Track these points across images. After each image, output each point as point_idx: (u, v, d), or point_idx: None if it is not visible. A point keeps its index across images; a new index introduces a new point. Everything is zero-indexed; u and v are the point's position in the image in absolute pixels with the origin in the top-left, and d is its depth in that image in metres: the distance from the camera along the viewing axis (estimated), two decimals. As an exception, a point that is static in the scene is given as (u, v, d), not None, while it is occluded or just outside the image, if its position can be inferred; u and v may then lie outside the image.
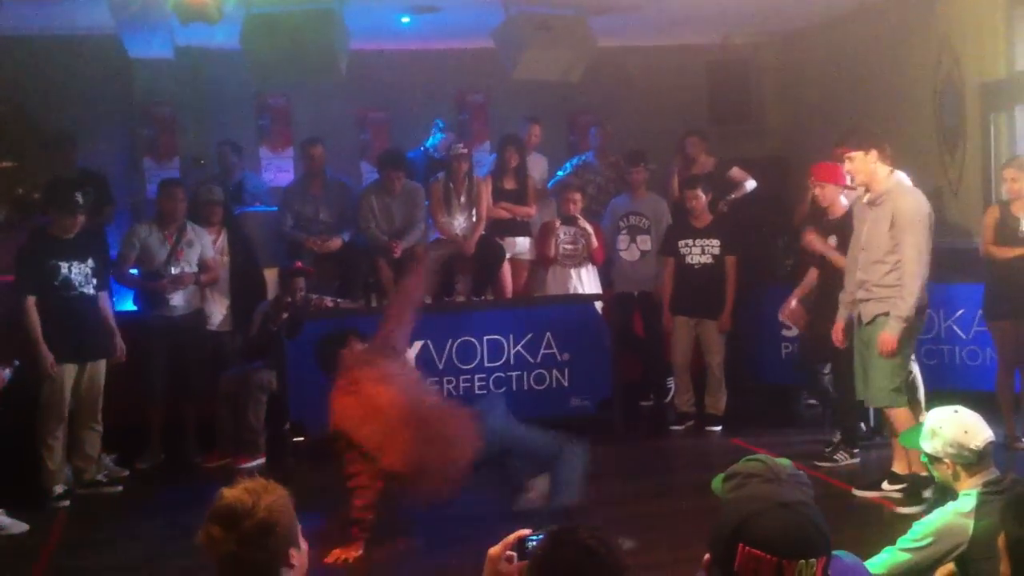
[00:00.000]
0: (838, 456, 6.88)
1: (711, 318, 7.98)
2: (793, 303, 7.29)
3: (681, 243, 8.04)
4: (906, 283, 5.81)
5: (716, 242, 7.96)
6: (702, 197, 7.96)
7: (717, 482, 2.54)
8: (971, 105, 8.37)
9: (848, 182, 6.55)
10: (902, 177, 6.04)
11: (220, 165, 9.11)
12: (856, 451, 6.93)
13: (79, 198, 6.72)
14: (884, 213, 5.89)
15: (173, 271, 7.48)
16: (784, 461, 2.55)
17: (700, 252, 7.99)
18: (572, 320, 8.04)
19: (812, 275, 7.19)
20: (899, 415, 5.94)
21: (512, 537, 2.49)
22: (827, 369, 7.10)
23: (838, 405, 7.05)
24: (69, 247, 6.64)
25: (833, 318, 6.41)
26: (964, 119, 8.44)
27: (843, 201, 6.88)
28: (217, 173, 9.06)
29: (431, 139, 9.51)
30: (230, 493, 2.51)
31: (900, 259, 5.86)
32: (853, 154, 5.92)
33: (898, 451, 6.21)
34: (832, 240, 6.88)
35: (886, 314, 5.91)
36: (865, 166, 5.88)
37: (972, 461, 3.71)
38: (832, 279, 6.69)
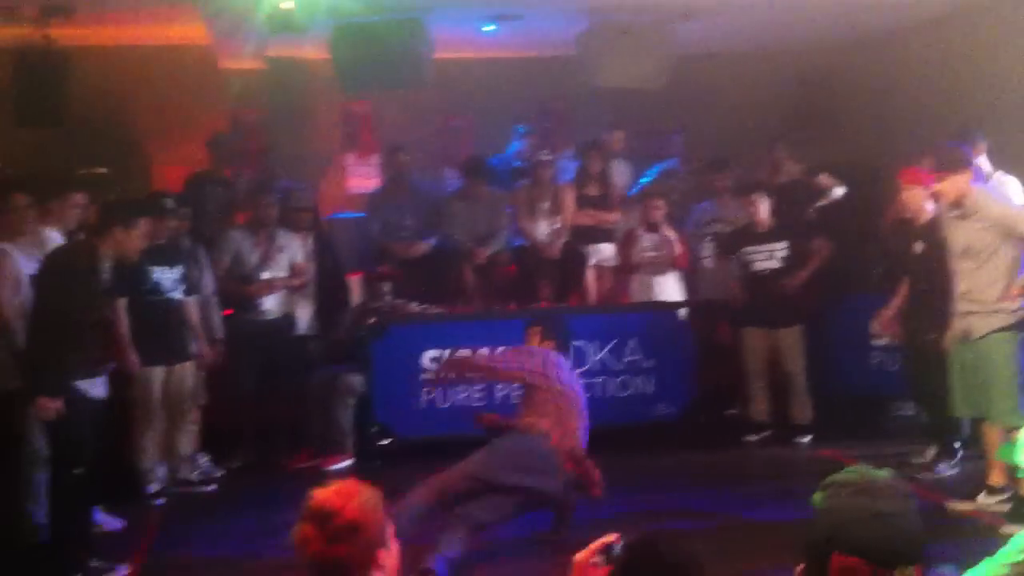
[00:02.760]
0: (940, 467, 6.77)
1: (786, 326, 7.86)
2: (889, 314, 7.15)
3: (747, 250, 7.93)
4: None
5: (782, 245, 7.84)
6: (758, 202, 7.83)
7: (817, 495, 2.53)
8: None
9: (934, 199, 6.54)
10: (1005, 182, 5.99)
11: (270, 174, 9.21)
12: (955, 461, 6.81)
13: (169, 203, 6.89)
14: (978, 222, 5.84)
15: (264, 276, 7.62)
16: (882, 472, 2.54)
17: (766, 257, 7.88)
18: (656, 327, 8.02)
19: (905, 287, 7.09)
20: (995, 429, 5.83)
21: (598, 543, 2.50)
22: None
23: (936, 415, 6.93)
24: (160, 252, 6.80)
25: (931, 325, 6.36)
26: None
27: (928, 207, 6.78)
28: (265, 182, 9.15)
29: (513, 147, 9.56)
30: (321, 493, 2.54)
31: (1007, 268, 5.75)
32: (948, 176, 5.88)
33: (995, 463, 6.08)
34: (919, 246, 6.79)
35: (1001, 329, 5.79)
36: (958, 186, 5.84)
37: (1068, 474, 3.63)
38: (911, 284, 6.69)
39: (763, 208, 7.84)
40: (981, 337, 5.88)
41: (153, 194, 7.80)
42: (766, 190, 8.01)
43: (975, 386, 5.99)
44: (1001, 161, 7.07)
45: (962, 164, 5.88)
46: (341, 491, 2.54)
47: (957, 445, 6.92)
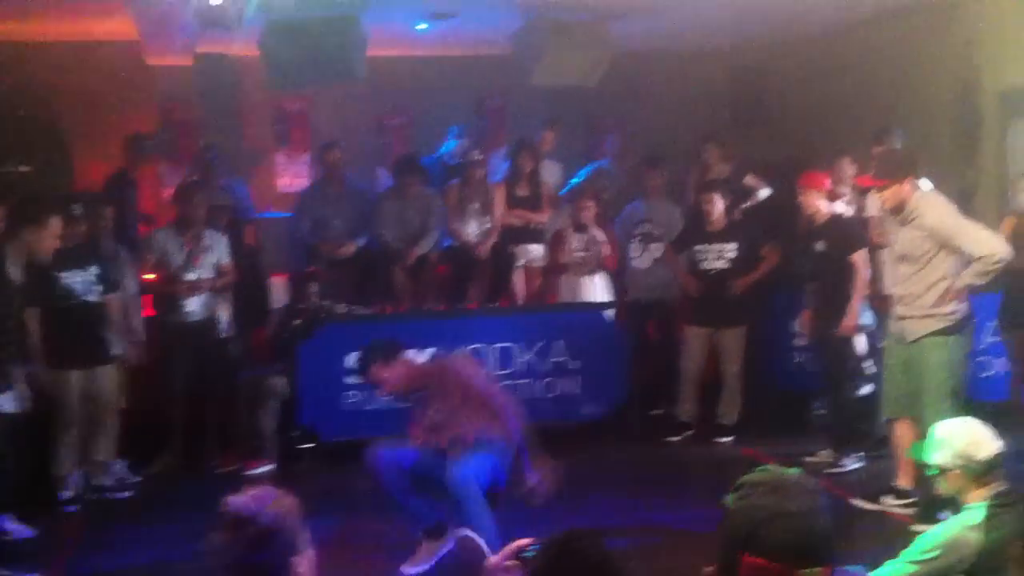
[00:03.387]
0: (845, 461, 6.87)
1: (729, 326, 7.92)
2: (809, 313, 7.28)
3: (697, 248, 7.97)
4: (988, 251, 5.74)
5: (732, 246, 7.89)
6: (718, 202, 7.89)
7: (729, 495, 2.53)
8: (989, 113, 8.31)
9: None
10: (924, 186, 6.08)
11: (201, 170, 9.09)
12: (861, 454, 6.91)
13: (75, 209, 6.74)
14: (917, 230, 5.88)
15: (190, 276, 7.51)
16: (793, 470, 2.54)
17: (716, 257, 7.93)
18: (584, 327, 8.02)
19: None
20: (905, 428, 5.91)
21: (511, 547, 2.49)
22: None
23: (837, 410, 7.04)
24: (69, 255, 6.65)
25: (835, 321, 6.69)
26: (982, 127, 8.38)
27: (824, 208, 6.99)
28: (194, 180, 9.04)
29: (446, 146, 9.52)
30: (236, 500, 2.54)
31: (943, 274, 5.84)
32: (890, 185, 5.91)
33: (904, 466, 6.13)
34: (820, 245, 6.96)
35: (935, 333, 5.85)
36: (899, 195, 5.89)
37: (980, 472, 3.69)
38: (815, 282, 6.98)
39: (717, 207, 7.87)
40: (915, 340, 5.93)
41: (63, 195, 7.65)
42: (721, 189, 8.04)
43: (907, 388, 6.04)
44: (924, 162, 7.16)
45: (902, 173, 5.89)
46: (256, 497, 2.54)
47: (864, 436, 7.03)
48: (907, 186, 5.84)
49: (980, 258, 5.70)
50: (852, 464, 6.90)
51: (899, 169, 5.90)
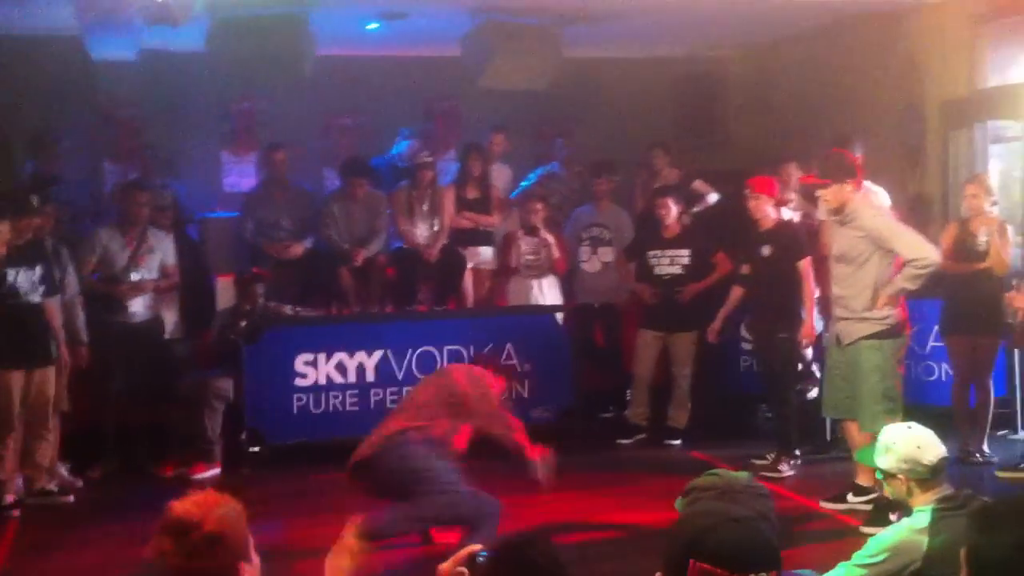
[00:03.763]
0: (781, 467, 6.93)
1: (682, 330, 7.96)
2: (718, 324, 7.40)
3: (650, 253, 8.00)
4: (919, 255, 5.88)
5: (686, 252, 7.94)
6: (672, 207, 7.92)
7: (679, 500, 2.55)
8: (932, 122, 8.46)
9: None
10: (873, 192, 6.17)
11: (143, 171, 8.96)
12: (796, 461, 6.99)
13: (34, 200, 6.65)
14: (855, 231, 6.01)
15: (134, 277, 7.38)
16: (742, 474, 2.55)
17: (668, 263, 7.96)
18: (533, 331, 8.03)
19: (736, 293, 7.42)
20: (856, 430, 5.98)
21: (463, 552, 2.48)
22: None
23: (775, 414, 7.12)
24: (17, 253, 6.54)
25: (782, 325, 6.84)
26: (925, 136, 8.53)
27: (772, 213, 7.08)
28: (137, 179, 8.90)
29: (396, 147, 9.47)
30: (179, 506, 2.48)
31: (877, 277, 5.94)
32: (831, 185, 6.03)
33: (862, 464, 6.23)
34: (766, 250, 7.05)
35: (869, 337, 5.95)
36: (840, 195, 6.02)
37: (926, 476, 3.73)
38: (759, 286, 7.12)
39: (672, 213, 7.91)
40: (851, 343, 6.02)
41: (17, 190, 7.51)
42: (675, 195, 8.08)
43: (842, 390, 6.15)
44: (865, 169, 7.26)
45: (844, 174, 6.02)
46: (200, 502, 2.49)
47: (796, 450, 7.13)
48: (848, 187, 5.97)
49: (911, 261, 5.86)
50: (788, 471, 6.95)
51: (841, 170, 6.03)
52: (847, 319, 6.05)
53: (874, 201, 6.90)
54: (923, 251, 5.91)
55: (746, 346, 8.06)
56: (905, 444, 3.76)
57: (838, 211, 6.06)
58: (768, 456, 7.08)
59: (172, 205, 8.03)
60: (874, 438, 5.81)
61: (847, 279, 6.06)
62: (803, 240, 7.08)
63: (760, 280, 7.16)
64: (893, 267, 5.99)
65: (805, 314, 6.94)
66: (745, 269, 7.39)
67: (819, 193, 6.29)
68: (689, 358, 7.97)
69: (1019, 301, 6.71)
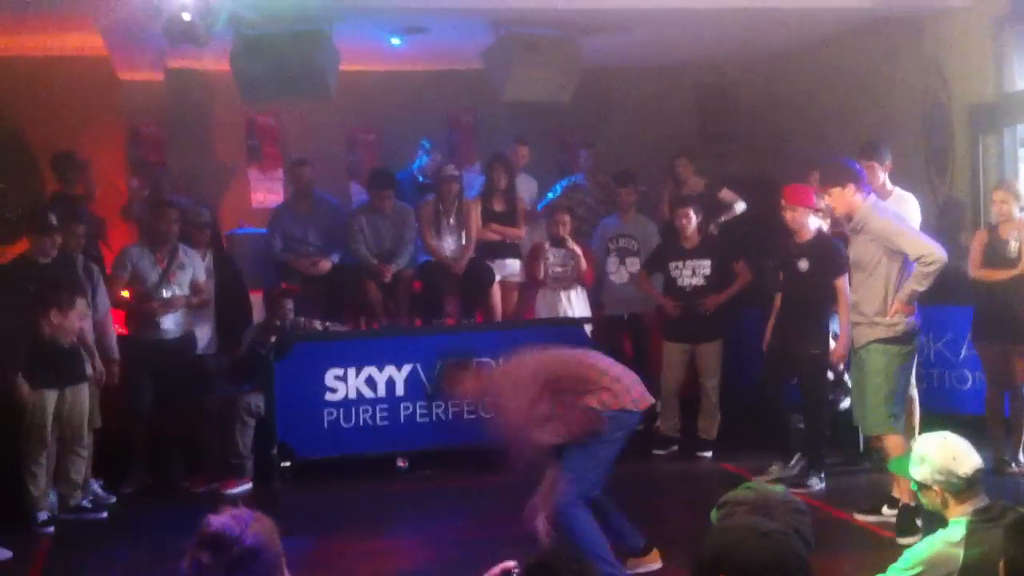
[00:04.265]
0: (811, 481, 6.87)
1: (707, 341, 7.93)
2: (769, 335, 7.25)
3: (672, 264, 7.99)
4: (925, 252, 5.84)
5: (707, 262, 7.92)
6: (693, 217, 7.90)
7: (713, 513, 2.54)
8: (960, 127, 8.40)
9: (822, 208, 6.85)
10: (904, 199, 6.10)
11: (150, 187, 8.99)
12: (823, 475, 6.93)
13: (53, 220, 6.71)
14: (865, 236, 6.04)
15: (165, 294, 7.44)
16: (777, 487, 2.54)
17: (691, 273, 7.94)
18: (561, 342, 7.92)
19: (779, 302, 7.25)
20: (893, 441, 5.95)
21: (496, 569, 2.48)
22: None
23: (807, 427, 7.04)
24: (47, 272, 6.58)
25: (815, 340, 6.73)
26: (953, 141, 8.48)
27: (811, 225, 6.97)
28: (145, 196, 8.96)
29: (417, 161, 9.50)
30: (217, 520, 2.49)
31: (888, 282, 5.94)
32: (832, 190, 6.08)
33: (898, 476, 6.19)
34: (803, 264, 6.96)
35: (878, 341, 5.94)
36: (843, 199, 6.05)
37: (961, 488, 3.69)
38: (792, 299, 6.96)
39: (692, 223, 7.88)
40: (862, 347, 6.05)
41: (36, 208, 7.59)
42: (695, 205, 8.05)
43: (856, 395, 6.17)
44: (897, 178, 7.23)
45: (845, 178, 6.04)
46: (237, 517, 2.50)
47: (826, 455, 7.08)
48: (850, 191, 5.99)
49: (918, 259, 5.85)
50: (818, 484, 6.88)
51: (839, 175, 6.06)
52: (860, 323, 6.07)
53: (905, 208, 6.87)
54: (928, 248, 5.89)
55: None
56: (940, 455, 3.71)
57: (848, 218, 6.09)
58: (770, 469, 7.00)
59: (210, 222, 8.07)
60: (908, 448, 5.84)
61: (861, 285, 6.08)
62: (843, 256, 6.81)
63: (795, 294, 7.03)
64: (904, 272, 5.96)
65: (840, 333, 6.79)
66: (781, 277, 7.26)
67: (826, 201, 6.33)
68: (716, 368, 7.95)
69: None
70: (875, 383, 5.97)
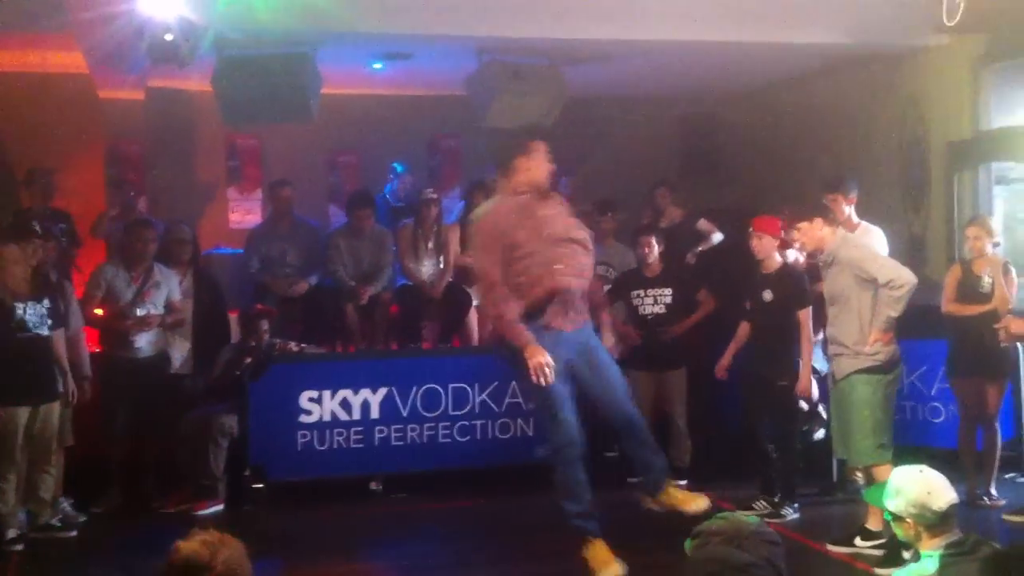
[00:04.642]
0: (784, 511, 6.88)
1: (671, 369, 7.96)
2: (727, 361, 7.29)
3: (633, 293, 8.00)
4: (894, 276, 5.91)
5: (668, 291, 7.93)
6: (655, 246, 7.91)
7: (687, 543, 2.53)
8: (936, 164, 8.51)
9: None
10: (871, 232, 6.19)
11: (120, 205, 8.97)
12: (797, 505, 6.95)
13: (37, 227, 6.68)
14: (840, 268, 6.11)
15: (139, 312, 7.39)
16: (751, 518, 2.54)
17: (652, 302, 7.95)
18: (538, 369, 7.99)
19: (744, 329, 7.27)
20: (883, 471, 5.93)
21: None
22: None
23: (781, 460, 7.04)
24: (24, 286, 6.55)
25: (781, 372, 6.75)
26: (929, 177, 8.58)
27: (778, 256, 7.02)
28: (115, 215, 8.93)
29: (389, 185, 9.52)
30: (186, 546, 2.45)
31: (862, 312, 5.99)
32: (800, 224, 6.21)
33: (873, 508, 6.16)
34: (767, 295, 6.99)
35: (861, 371, 5.99)
36: (811, 234, 6.17)
37: (935, 522, 3.70)
38: (759, 329, 7.01)
39: (654, 252, 7.92)
40: (844, 378, 6.09)
41: (19, 215, 7.55)
42: (657, 234, 8.09)
43: (839, 427, 6.19)
44: (866, 210, 7.30)
45: (811, 212, 6.14)
46: (207, 542, 2.45)
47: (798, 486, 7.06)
48: (818, 225, 6.10)
49: (887, 283, 5.92)
50: (791, 514, 6.90)
51: (806, 209, 6.19)
52: (841, 355, 6.12)
53: (871, 241, 6.93)
54: (897, 272, 5.97)
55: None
56: (915, 488, 3.73)
57: (819, 251, 6.19)
58: (757, 504, 7.00)
59: (191, 240, 8.03)
60: (860, 472, 5.87)
61: (837, 317, 6.14)
62: (806, 288, 6.95)
63: (760, 325, 7.07)
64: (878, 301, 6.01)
65: (802, 367, 6.84)
66: (748, 306, 7.31)
67: (793, 236, 6.41)
68: (681, 395, 7.95)
69: (1016, 326, 6.67)
70: (861, 414, 5.99)
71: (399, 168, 9.66)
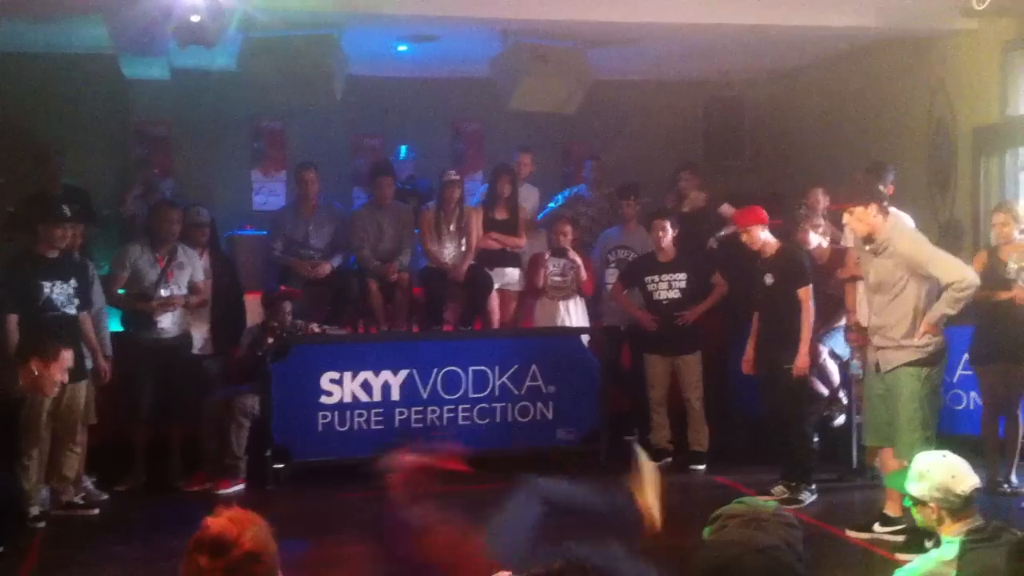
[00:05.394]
0: (802, 496, 6.87)
1: (687, 353, 7.95)
2: (751, 353, 7.24)
3: (647, 279, 8.00)
4: (958, 277, 5.83)
5: (683, 276, 7.93)
6: (669, 230, 7.91)
7: (706, 528, 2.53)
8: (963, 148, 8.43)
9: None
10: (899, 218, 6.15)
11: (143, 185, 9.01)
12: (814, 488, 6.93)
13: (66, 209, 6.73)
14: (889, 258, 5.97)
15: (163, 293, 7.44)
16: (770, 503, 2.54)
17: (667, 287, 7.95)
18: (559, 352, 8.03)
19: (758, 319, 7.23)
20: None
21: None
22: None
23: (796, 444, 7.02)
24: (53, 266, 6.62)
25: (787, 355, 6.75)
26: (956, 162, 8.50)
27: (770, 240, 7.00)
28: (139, 194, 8.98)
29: (401, 167, 9.53)
30: (215, 522, 2.46)
31: (916, 304, 5.91)
32: (854, 209, 6.03)
33: (891, 494, 6.18)
34: (768, 279, 6.98)
35: (909, 364, 5.92)
36: (865, 219, 5.99)
37: (958, 507, 3.69)
38: (764, 315, 6.98)
39: (668, 236, 7.90)
40: (890, 370, 5.99)
41: (50, 197, 7.61)
42: (672, 218, 8.07)
43: (885, 418, 6.10)
44: (899, 196, 7.25)
45: (867, 197, 5.99)
46: (235, 519, 2.47)
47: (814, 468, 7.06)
48: (872, 211, 5.94)
49: (950, 284, 5.81)
50: (809, 498, 6.90)
51: (863, 194, 6.03)
52: (886, 347, 6.01)
53: (909, 227, 6.87)
54: (962, 273, 5.86)
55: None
56: (939, 473, 3.72)
57: (869, 239, 6.01)
58: (775, 490, 6.98)
59: (208, 222, 8.08)
60: (906, 464, 5.81)
61: (885, 308, 6.01)
62: (805, 267, 6.96)
63: (763, 309, 7.08)
64: (931, 293, 5.94)
65: (801, 344, 6.83)
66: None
67: (844, 220, 6.28)
68: (697, 380, 7.96)
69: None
70: (910, 409, 5.91)
71: (403, 150, 9.68)
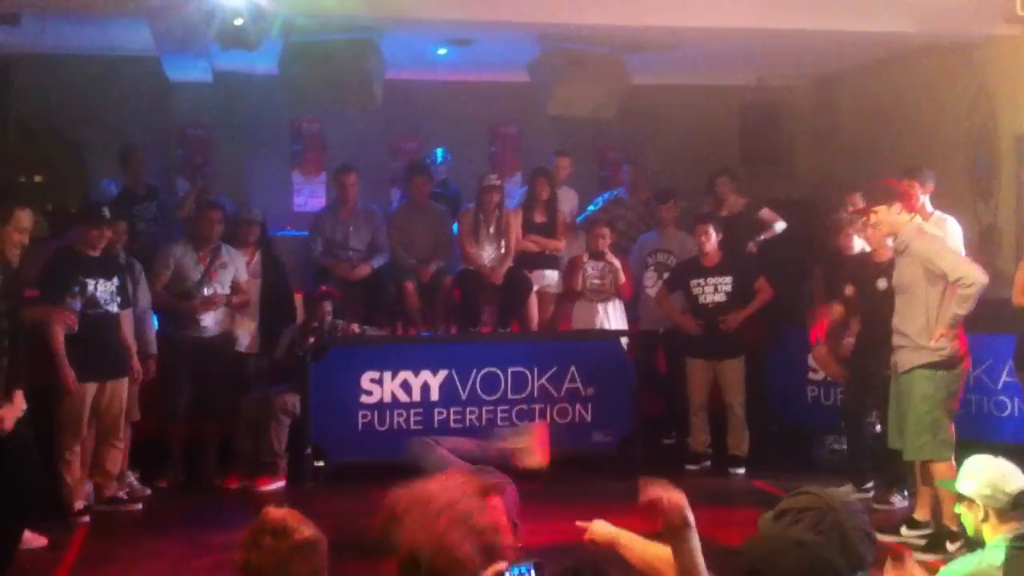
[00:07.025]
0: (893, 499, 6.83)
1: (729, 357, 7.93)
2: (824, 349, 7.18)
3: (693, 282, 7.99)
4: (963, 273, 5.79)
5: (728, 279, 7.91)
6: (712, 234, 7.89)
7: (766, 519, 2.47)
8: (1005, 155, 8.36)
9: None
10: (945, 221, 6.04)
11: (195, 187, 9.10)
12: (906, 493, 6.85)
13: (106, 212, 6.82)
14: (907, 258, 6.02)
15: (206, 292, 7.52)
16: (841, 490, 2.50)
17: (713, 291, 7.94)
18: (597, 355, 8.03)
19: (836, 312, 7.14)
20: (940, 467, 5.88)
21: (489, 572, 2.48)
22: (872, 416, 7.01)
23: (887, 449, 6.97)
24: (95, 264, 6.71)
25: (877, 362, 6.52)
26: (999, 169, 8.43)
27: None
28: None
29: (436, 171, 9.55)
30: (276, 510, 2.56)
31: (931, 305, 5.90)
32: (878, 208, 6.09)
33: (922, 499, 6.21)
34: (883, 283, 6.62)
35: (924, 366, 5.90)
36: (888, 218, 6.03)
37: (1006, 507, 3.70)
38: (872, 320, 6.70)
39: (712, 240, 7.89)
40: (906, 371, 6.00)
41: (90, 203, 7.71)
42: (715, 222, 8.05)
43: (898, 418, 6.12)
44: (934, 200, 7.21)
45: (890, 196, 6.02)
46: (294, 513, 2.58)
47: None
48: (896, 210, 5.97)
49: (957, 280, 5.80)
50: (900, 502, 6.82)
51: (886, 194, 6.06)
52: (903, 347, 6.02)
53: (945, 231, 6.84)
54: (968, 270, 5.85)
55: (814, 376, 7.99)
56: (989, 471, 3.74)
57: (892, 238, 6.09)
58: (842, 489, 6.92)
59: (260, 221, 8.16)
60: (940, 477, 5.77)
61: (904, 308, 6.04)
62: None
63: (874, 314, 6.72)
64: (947, 296, 5.90)
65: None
66: (849, 291, 7.02)
67: (871, 220, 6.26)
68: (740, 384, 7.93)
69: None
70: (920, 410, 5.91)
71: (440, 154, 9.73)
